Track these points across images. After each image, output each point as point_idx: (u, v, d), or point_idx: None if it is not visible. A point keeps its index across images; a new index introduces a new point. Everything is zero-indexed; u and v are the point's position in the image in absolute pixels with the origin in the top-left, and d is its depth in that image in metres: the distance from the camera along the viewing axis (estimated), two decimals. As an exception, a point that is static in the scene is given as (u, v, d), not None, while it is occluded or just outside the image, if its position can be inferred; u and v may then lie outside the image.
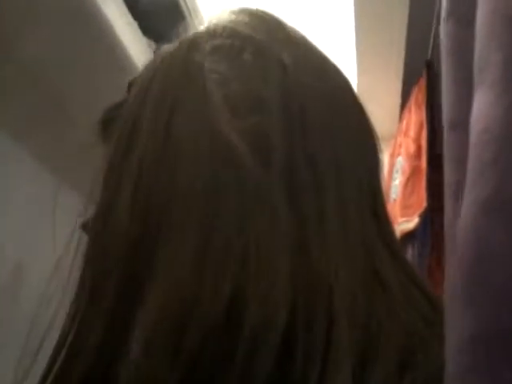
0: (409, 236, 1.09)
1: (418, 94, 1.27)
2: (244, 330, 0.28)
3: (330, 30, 1.28)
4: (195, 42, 0.39)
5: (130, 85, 0.42)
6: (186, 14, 0.93)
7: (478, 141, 0.28)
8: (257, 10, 0.43)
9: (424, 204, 1.06)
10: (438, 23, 0.96)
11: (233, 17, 0.41)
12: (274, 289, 0.29)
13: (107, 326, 0.31)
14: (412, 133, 1.21)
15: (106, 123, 0.43)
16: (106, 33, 0.78)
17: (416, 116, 1.24)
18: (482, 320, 0.20)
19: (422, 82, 1.28)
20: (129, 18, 0.87)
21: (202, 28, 0.41)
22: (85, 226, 0.40)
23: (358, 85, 1.35)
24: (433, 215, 1.06)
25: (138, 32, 0.90)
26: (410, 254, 1.08)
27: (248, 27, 0.40)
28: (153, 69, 0.39)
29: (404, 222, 1.09)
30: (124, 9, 0.86)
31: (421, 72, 1.32)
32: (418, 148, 1.17)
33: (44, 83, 0.83)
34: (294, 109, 0.35)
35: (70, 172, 0.89)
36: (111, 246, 0.33)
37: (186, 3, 0.94)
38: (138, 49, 0.88)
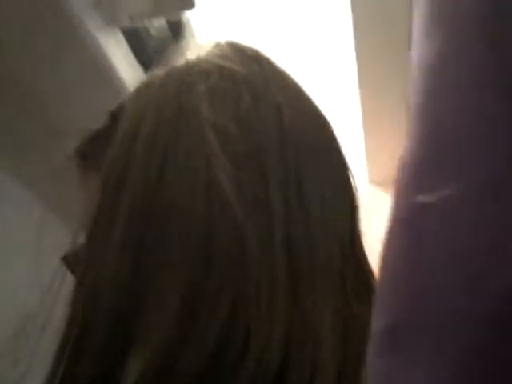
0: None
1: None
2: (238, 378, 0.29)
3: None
4: (187, 80, 0.37)
5: (113, 115, 0.41)
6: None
7: (400, 171, 0.30)
8: (246, 46, 0.42)
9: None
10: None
11: (222, 52, 0.40)
12: (270, 341, 0.30)
13: (97, 364, 0.32)
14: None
15: (85, 156, 0.42)
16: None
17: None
18: (391, 313, 0.22)
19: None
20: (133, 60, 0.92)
21: (189, 59, 0.39)
22: (66, 259, 0.41)
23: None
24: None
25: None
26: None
27: (242, 67, 0.38)
28: (142, 104, 0.38)
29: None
30: (130, 56, 0.91)
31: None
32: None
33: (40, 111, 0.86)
34: (289, 158, 0.35)
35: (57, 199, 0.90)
36: (101, 297, 0.33)
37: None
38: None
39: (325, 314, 0.32)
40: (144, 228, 0.33)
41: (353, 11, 0.98)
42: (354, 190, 0.40)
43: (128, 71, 0.86)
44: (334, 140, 0.41)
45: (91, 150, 0.42)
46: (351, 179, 0.41)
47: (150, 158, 0.35)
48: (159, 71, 0.40)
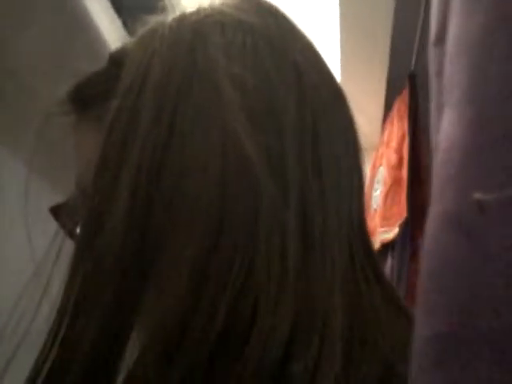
0: (388, 246, 1.08)
1: (401, 106, 1.28)
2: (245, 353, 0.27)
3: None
4: (202, 31, 0.34)
5: (114, 59, 0.37)
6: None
7: (441, 159, 0.30)
8: None
9: (404, 214, 1.06)
10: (422, 36, 0.98)
11: (237, 2, 0.37)
12: (277, 316, 0.28)
13: (102, 332, 0.30)
14: (394, 144, 1.22)
15: (81, 100, 0.39)
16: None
17: (398, 127, 1.25)
18: (435, 325, 0.21)
19: (405, 94, 1.29)
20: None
21: (201, 8, 0.36)
22: (54, 211, 0.39)
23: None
24: (413, 225, 1.06)
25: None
26: (389, 263, 1.07)
27: (258, 19, 0.36)
28: (150, 52, 0.35)
29: (384, 232, 1.09)
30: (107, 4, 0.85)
31: (404, 84, 1.33)
32: (400, 159, 1.18)
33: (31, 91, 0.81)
34: (307, 118, 0.34)
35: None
36: (105, 258, 0.30)
37: None
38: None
39: (334, 288, 0.31)
40: (153, 184, 0.30)
41: None
42: (362, 156, 0.38)
43: (107, 25, 0.80)
44: (345, 100, 0.39)
45: (88, 94, 0.38)
46: (360, 142, 0.38)
47: (161, 107, 0.32)
48: (165, 18, 0.36)
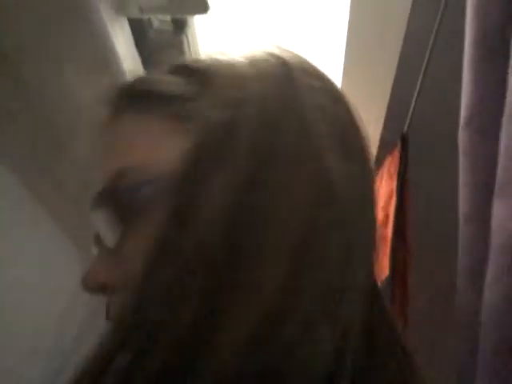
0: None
1: (391, 165, 1.32)
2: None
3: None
4: (292, 77, 0.36)
5: (201, 70, 0.37)
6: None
7: (502, 243, 0.33)
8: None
9: (386, 273, 1.08)
10: (417, 100, 1.02)
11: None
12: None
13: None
14: (381, 201, 1.25)
15: (139, 94, 0.38)
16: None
17: (387, 185, 1.29)
18: None
19: (396, 154, 1.33)
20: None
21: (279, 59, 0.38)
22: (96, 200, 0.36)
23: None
24: (393, 283, 1.09)
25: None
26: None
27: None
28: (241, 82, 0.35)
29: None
30: (131, 43, 0.87)
31: (395, 144, 1.38)
32: (386, 217, 1.21)
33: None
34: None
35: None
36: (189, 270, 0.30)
37: (189, 48, 0.97)
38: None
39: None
40: (245, 203, 0.31)
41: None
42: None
43: (127, 57, 0.82)
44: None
45: (147, 90, 0.38)
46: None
47: (259, 123, 0.33)
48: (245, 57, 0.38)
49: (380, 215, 1.22)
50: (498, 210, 0.43)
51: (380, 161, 1.41)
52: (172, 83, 0.37)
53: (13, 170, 0.83)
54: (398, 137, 1.37)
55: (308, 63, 0.40)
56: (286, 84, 0.35)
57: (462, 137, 0.69)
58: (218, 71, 0.36)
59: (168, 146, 0.34)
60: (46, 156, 0.83)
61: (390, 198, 1.25)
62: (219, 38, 1.04)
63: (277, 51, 0.39)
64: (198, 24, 0.98)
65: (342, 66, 1.26)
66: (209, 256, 0.30)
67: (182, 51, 0.92)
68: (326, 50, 1.26)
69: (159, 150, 0.35)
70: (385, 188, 1.29)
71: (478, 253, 0.55)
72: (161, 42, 0.91)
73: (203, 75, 0.36)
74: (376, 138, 1.40)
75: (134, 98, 0.38)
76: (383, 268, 1.11)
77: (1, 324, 0.75)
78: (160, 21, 0.89)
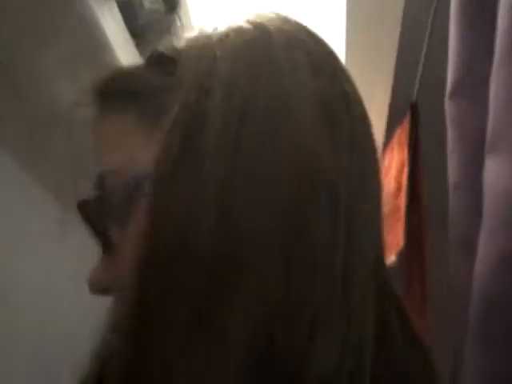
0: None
1: (401, 135, 1.29)
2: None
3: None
4: (293, 60, 0.35)
5: (166, 57, 0.36)
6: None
7: (497, 200, 0.32)
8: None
9: (401, 243, 1.06)
10: (424, 67, 0.99)
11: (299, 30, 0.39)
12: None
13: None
14: (393, 172, 1.23)
15: (119, 92, 0.37)
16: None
17: (398, 156, 1.26)
18: (496, 361, 0.22)
19: (406, 123, 1.30)
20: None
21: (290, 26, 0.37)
22: (81, 207, 0.37)
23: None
24: (409, 254, 1.07)
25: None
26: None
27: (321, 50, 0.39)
28: (211, 55, 0.34)
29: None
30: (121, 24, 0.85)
31: (404, 113, 1.35)
32: (398, 187, 1.18)
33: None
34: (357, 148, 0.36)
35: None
36: (190, 272, 0.29)
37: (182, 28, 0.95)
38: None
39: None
40: (229, 193, 0.30)
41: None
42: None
43: (119, 41, 0.81)
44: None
45: (130, 87, 0.37)
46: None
47: (229, 112, 0.32)
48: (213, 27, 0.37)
49: (392, 186, 1.19)
50: (489, 167, 0.41)
51: (390, 131, 1.38)
52: (144, 78, 0.36)
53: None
54: (407, 106, 1.34)
55: (300, 33, 0.38)
56: (264, 61, 0.34)
57: (449, 105, 0.67)
58: (188, 57, 0.35)
59: (139, 146, 0.34)
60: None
61: (401, 168, 1.22)
62: (213, 17, 1.02)
63: (265, 22, 0.37)
64: (190, 3, 0.96)
65: (344, 36, 1.23)
66: (201, 251, 0.29)
67: (174, 31, 0.90)
68: (328, 19, 1.23)
69: (135, 149, 0.34)
70: (396, 158, 1.26)
71: (468, 220, 0.53)
72: (152, 23, 0.90)
73: (174, 64, 0.35)
74: (384, 108, 1.37)
75: (108, 98, 0.37)
76: (398, 238, 1.09)
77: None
78: (151, 1, 0.87)
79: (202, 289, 0.29)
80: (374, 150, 0.38)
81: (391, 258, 1.08)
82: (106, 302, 0.35)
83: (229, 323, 0.29)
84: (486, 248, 0.37)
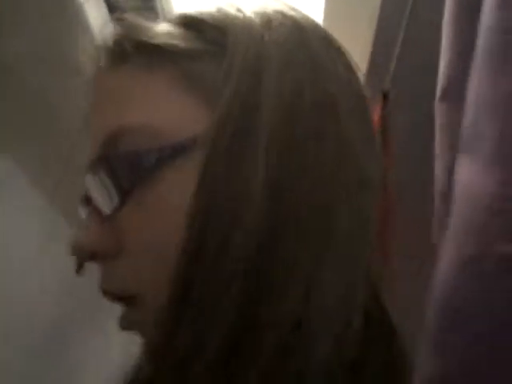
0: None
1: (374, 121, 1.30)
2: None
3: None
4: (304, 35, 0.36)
5: (208, 23, 0.34)
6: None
7: (465, 204, 0.31)
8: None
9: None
10: (399, 54, 0.99)
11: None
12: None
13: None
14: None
15: (146, 47, 0.34)
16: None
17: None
18: (449, 362, 0.23)
19: (378, 110, 1.31)
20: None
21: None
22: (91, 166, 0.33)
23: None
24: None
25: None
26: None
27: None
28: (258, 37, 0.33)
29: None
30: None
31: (377, 101, 1.36)
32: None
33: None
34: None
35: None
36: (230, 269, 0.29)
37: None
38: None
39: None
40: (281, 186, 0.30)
41: None
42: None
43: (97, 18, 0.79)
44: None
45: (156, 44, 0.34)
46: None
47: (283, 99, 0.32)
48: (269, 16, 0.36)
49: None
50: (457, 170, 0.41)
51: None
52: (182, 37, 0.34)
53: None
54: (379, 94, 1.35)
55: (319, 26, 0.40)
56: (305, 52, 0.34)
57: (440, 109, 0.66)
58: (235, 32, 0.33)
59: (177, 108, 0.32)
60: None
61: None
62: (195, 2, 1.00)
63: (289, 12, 0.37)
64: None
65: (322, 20, 1.22)
66: (245, 249, 0.29)
67: (155, 16, 0.88)
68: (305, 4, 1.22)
69: (165, 111, 0.32)
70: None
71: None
72: (133, 9, 0.88)
73: (219, 33, 0.34)
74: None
75: (136, 48, 0.34)
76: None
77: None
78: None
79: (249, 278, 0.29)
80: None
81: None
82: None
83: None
84: (448, 252, 0.37)
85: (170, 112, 0.32)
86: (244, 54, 0.32)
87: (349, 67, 0.39)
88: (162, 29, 0.35)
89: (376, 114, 1.32)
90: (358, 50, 1.32)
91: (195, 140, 0.31)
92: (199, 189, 0.29)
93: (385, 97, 1.33)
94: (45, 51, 0.74)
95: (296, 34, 0.35)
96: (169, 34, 0.34)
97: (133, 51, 0.34)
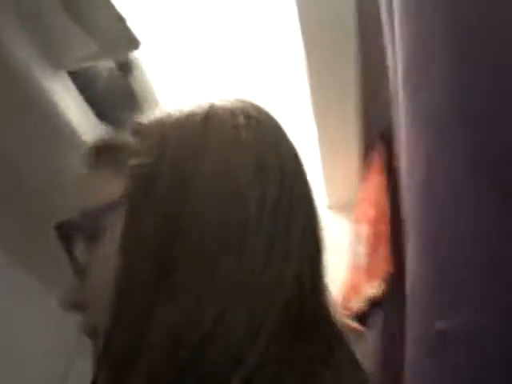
0: (376, 303, 1.07)
1: (377, 162, 1.31)
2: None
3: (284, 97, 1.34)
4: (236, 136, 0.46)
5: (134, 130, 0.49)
6: (140, 98, 0.99)
7: (411, 291, 0.32)
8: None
9: (388, 268, 1.05)
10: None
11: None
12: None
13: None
14: (372, 199, 1.23)
15: (108, 152, 0.49)
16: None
17: (377, 181, 1.27)
18: None
19: (379, 151, 1.32)
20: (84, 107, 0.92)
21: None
22: (58, 228, 0.46)
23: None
24: (398, 279, 1.05)
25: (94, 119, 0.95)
26: (379, 319, 1.06)
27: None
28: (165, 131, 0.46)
29: (370, 288, 1.08)
30: (79, 99, 0.91)
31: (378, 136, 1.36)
32: (382, 212, 1.18)
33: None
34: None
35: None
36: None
37: (140, 88, 1.00)
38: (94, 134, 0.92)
39: None
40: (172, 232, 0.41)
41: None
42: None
43: (78, 114, 0.85)
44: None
45: (111, 156, 0.49)
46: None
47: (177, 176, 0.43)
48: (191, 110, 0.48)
49: (373, 213, 1.20)
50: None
51: (367, 151, 1.38)
52: (125, 144, 0.49)
53: None
54: (380, 128, 1.35)
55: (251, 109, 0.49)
56: (201, 130, 0.46)
57: None
58: (150, 127, 0.48)
59: (115, 186, 0.45)
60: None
61: (381, 193, 1.23)
62: (169, 70, 1.07)
63: (218, 102, 0.49)
64: (145, 62, 1.01)
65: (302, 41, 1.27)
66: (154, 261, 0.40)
67: (132, 93, 0.95)
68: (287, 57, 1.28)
69: (109, 190, 0.46)
70: (375, 184, 1.27)
71: None
72: (112, 89, 0.94)
73: (141, 132, 0.48)
74: (356, 131, 1.39)
75: (101, 161, 0.50)
76: (386, 265, 1.08)
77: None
78: (106, 68, 0.92)
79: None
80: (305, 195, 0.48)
81: (381, 285, 1.07)
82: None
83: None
84: (408, 331, 0.39)
85: (110, 190, 0.46)
86: (149, 140, 0.46)
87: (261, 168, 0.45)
88: (114, 141, 0.51)
89: (380, 151, 1.31)
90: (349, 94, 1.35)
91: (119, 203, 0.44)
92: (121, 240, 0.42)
93: (383, 138, 1.33)
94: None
95: (199, 117, 0.47)
96: (116, 143, 0.50)
97: (99, 158, 0.50)
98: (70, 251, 0.46)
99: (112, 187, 0.45)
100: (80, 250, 0.45)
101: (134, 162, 0.44)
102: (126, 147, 0.47)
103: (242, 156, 0.44)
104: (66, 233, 0.46)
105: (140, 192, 0.43)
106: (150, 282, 0.39)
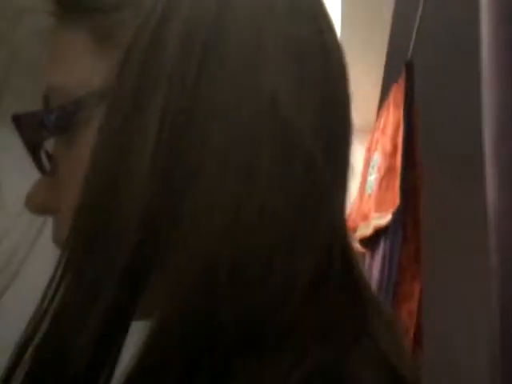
0: (381, 231, 1.13)
1: (397, 94, 1.31)
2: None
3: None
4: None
5: None
6: None
7: None
8: None
9: (397, 202, 1.10)
10: (420, 25, 0.99)
11: None
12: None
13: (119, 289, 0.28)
14: (389, 131, 1.25)
15: (66, 6, 0.34)
16: None
17: (394, 115, 1.28)
18: None
19: (401, 83, 1.31)
20: None
21: None
22: (16, 120, 0.34)
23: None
24: (405, 213, 1.10)
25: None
26: (381, 248, 1.12)
27: None
28: None
29: (378, 218, 1.13)
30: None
31: (400, 72, 1.35)
32: (394, 147, 1.21)
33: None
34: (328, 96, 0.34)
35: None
36: (124, 218, 0.28)
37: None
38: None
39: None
40: (181, 140, 0.29)
41: None
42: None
43: None
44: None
45: (72, 2, 0.34)
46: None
47: (191, 40, 0.30)
48: None
49: (389, 146, 1.22)
50: None
51: (386, 90, 1.39)
52: None
53: None
54: (402, 64, 1.35)
55: None
56: None
57: None
58: None
59: (93, 60, 0.33)
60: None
61: (397, 127, 1.24)
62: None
63: None
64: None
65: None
66: (144, 180, 0.28)
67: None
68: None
69: (82, 66, 0.33)
70: (392, 118, 1.28)
71: None
72: None
73: None
74: (380, 66, 1.37)
75: (63, 10, 0.35)
76: (394, 198, 1.12)
77: None
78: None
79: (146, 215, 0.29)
80: (346, 108, 0.36)
81: (388, 216, 1.12)
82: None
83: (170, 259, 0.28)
84: None
85: (85, 66, 0.33)
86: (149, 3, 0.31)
87: (297, 16, 0.33)
88: None
89: (400, 85, 1.32)
90: (379, 22, 1.31)
91: (101, 94, 0.31)
92: (97, 139, 0.30)
93: (408, 67, 1.32)
94: None
95: None
96: None
97: (60, 11, 0.35)
98: (33, 148, 0.35)
99: (82, 62, 0.33)
100: (46, 145, 0.35)
101: (126, 26, 0.31)
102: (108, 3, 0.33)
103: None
104: (29, 126, 0.34)
105: (136, 80, 0.29)
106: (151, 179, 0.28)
